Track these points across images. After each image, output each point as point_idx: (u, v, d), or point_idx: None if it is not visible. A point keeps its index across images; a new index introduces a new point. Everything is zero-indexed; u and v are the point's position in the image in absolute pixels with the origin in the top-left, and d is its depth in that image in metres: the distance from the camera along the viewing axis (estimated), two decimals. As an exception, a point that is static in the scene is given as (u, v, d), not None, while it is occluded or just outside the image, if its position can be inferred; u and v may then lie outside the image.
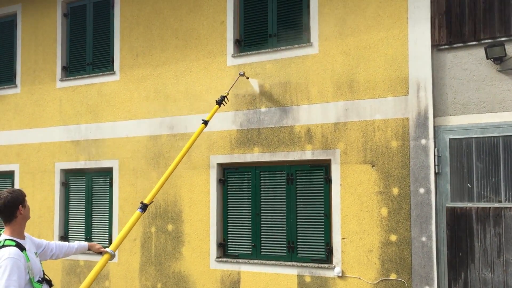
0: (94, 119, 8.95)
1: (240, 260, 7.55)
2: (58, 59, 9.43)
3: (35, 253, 3.93)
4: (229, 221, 7.78)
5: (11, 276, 3.52)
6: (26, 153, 9.66)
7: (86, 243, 4.51)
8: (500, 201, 6.10)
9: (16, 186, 9.66)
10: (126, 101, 8.69)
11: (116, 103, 8.78)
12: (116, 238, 4.51)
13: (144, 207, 4.84)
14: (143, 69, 8.56)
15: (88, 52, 9.18)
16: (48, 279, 3.97)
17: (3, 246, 3.69)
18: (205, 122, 6.56)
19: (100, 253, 4.39)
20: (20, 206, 3.83)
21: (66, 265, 9.01)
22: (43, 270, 3.94)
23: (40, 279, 3.83)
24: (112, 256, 4.24)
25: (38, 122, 9.58)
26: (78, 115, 9.14)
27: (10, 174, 9.86)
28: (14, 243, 3.71)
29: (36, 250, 4.00)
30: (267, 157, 7.46)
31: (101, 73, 8.96)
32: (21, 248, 3.72)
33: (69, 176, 9.25)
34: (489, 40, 6.24)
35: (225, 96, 7.16)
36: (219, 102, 7.04)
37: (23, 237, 3.87)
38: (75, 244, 4.47)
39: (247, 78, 7.56)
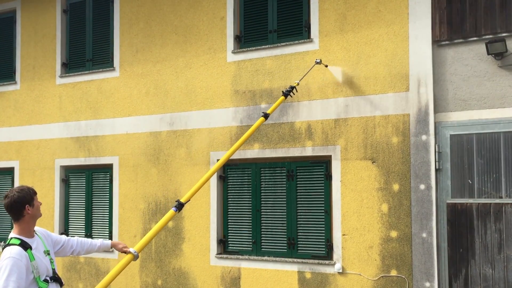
0: (94, 116, 8.94)
1: (241, 257, 7.54)
2: (58, 56, 9.41)
3: (45, 251, 3.88)
4: (229, 218, 7.77)
5: (10, 277, 3.50)
6: (26, 150, 9.65)
7: (109, 242, 4.39)
8: (500, 197, 6.09)
9: (16, 183, 9.66)
10: (126, 97, 8.68)
11: (116, 100, 8.76)
12: (143, 239, 4.28)
13: (179, 206, 4.53)
14: (143, 65, 8.54)
15: (88, 49, 9.16)
16: (57, 277, 3.90)
17: (8, 244, 3.68)
18: (266, 115, 6.13)
19: (124, 252, 4.21)
20: (27, 205, 3.79)
21: (66, 261, 9.01)
22: (53, 269, 3.88)
23: (48, 278, 3.78)
24: (135, 257, 4.06)
25: (37, 118, 9.57)
26: (78, 112, 9.12)
27: (10, 171, 9.85)
28: (18, 242, 3.68)
29: (49, 248, 3.95)
30: (267, 153, 7.45)
31: (101, 70, 8.94)
32: (26, 247, 3.68)
33: (69, 172, 9.24)
34: (490, 36, 6.22)
35: (294, 87, 6.69)
36: (286, 94, 6.57)
37: (32, 236, 3.83)
38: (98, 242, 4.38)
39: (326, 66, 7.03)
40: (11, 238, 3.74)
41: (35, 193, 3.92)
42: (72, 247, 4.24)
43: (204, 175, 5.13)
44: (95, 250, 4.39)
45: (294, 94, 6.86)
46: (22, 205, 3.77)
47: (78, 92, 9.15)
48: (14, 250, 3.62)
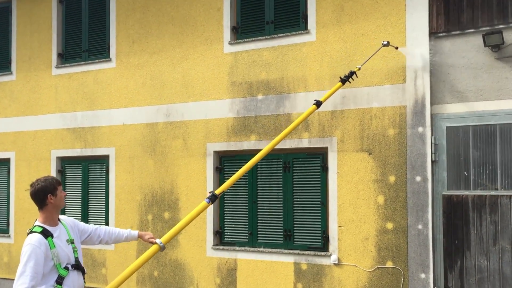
0: (90, 107, 8.91)
1: (237, 248, 7.56)
2: (54, 46, 9.36)
3: (68, 240, 4.02)
4: (225, 209, 7.78)
5: (28, 263, 3.69)
6: (22, 141, 9.62)
7: (136, 232, 4.50)
8: (496, 189, 6.11)
9: (12, 174, 9.66)
10: (122, 88, 8.65)
11: (112, 91, 8.73)
12: (171, 230, 4.20)
13: (213, 198, 4.38)
14: (139, 56, 8.51)
15: (84, 39, 9.11)
16: (80, 265, 4.03)
17: (31, 232, 3.88)
18: (318, 104, 5.80)
19: (151, 243, 4.24)
20: (50, 195, 3.95)
21: (62, 252, 9.01)
22: (76, 257, 4.02)
23: (69, 265, 3.93)
24: (161, 249, 4.05)
25: (34, 109, 9.54)
26: (74, 103, 9.09)
27: (6, 162, 9.83)
28: (40, 230, 3.86)
29: (74, 236, 4.10)
30: (264, 145, 7.43)
31: (97, 60, 8.90)
32: (47, 235, 3.85)
33: (65, 163, 9.22)
34: (487, 28, 6.21)
35: (354, 72, 6.28)
36: (344, 80, 6.24)
37: (55, 224, 4.00)
38: (126, 232, 4.49)
39: (396, 48, 6.49)
40: (35, 226, 3.92)
41: (59, 183, 4.07)
42: (100, 236, 4.38)
43: (242, 168, 5.01)
44: (122, 240, 4.50)
45: (353, 80, 6.43)
46: (45, 194, 3.94)
47: (74, 83, 9.12)
48: (34, 238, 3.80)
